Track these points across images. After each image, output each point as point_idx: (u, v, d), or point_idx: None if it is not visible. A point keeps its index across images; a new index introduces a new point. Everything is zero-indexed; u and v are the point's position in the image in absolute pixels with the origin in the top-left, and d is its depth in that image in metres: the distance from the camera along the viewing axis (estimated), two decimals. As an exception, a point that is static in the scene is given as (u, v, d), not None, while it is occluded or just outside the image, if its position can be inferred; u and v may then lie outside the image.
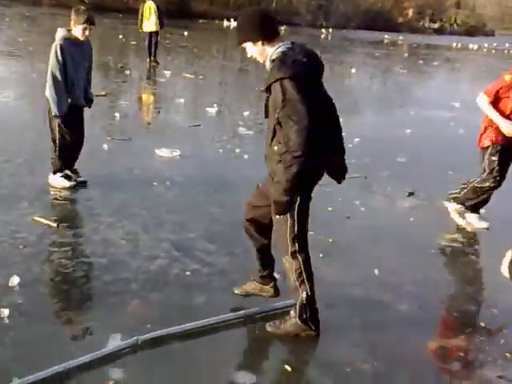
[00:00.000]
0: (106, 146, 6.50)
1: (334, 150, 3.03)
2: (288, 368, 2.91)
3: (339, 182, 3.21)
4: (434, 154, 7.65)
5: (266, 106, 2.91)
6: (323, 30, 36.55)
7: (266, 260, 3.39)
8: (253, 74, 15.08)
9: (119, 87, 11.04)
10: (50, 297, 3.37)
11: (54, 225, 4.26)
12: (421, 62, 24.58)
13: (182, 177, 5.70)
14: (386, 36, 40.56)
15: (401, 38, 40.73)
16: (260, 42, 2.86)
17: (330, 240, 4.51)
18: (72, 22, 4.76)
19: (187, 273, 3.78)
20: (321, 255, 4.22)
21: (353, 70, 17.24)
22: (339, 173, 3.14)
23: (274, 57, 2.82)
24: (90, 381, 2.67)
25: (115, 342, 2.92)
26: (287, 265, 3.08)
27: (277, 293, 3.42)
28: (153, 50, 13.52)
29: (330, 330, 3.27)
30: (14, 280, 3.39)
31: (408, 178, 6.41)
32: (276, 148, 2.84)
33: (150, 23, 13.08)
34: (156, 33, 13.32)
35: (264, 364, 2.96)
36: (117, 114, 8.34)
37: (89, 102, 5.11)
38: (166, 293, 3.52)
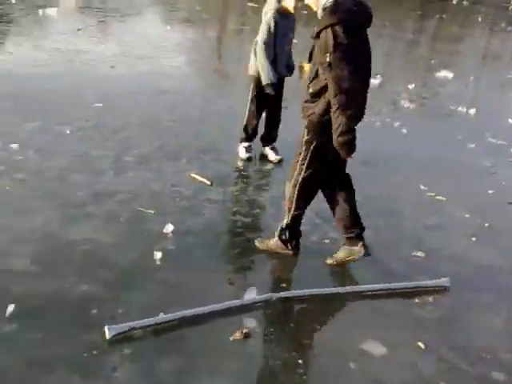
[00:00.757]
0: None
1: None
2: (421, 345, 2.79)
3: None
4: None
5: (311, 53, 3.10)
6: (512, 0, 32.96)
7: (351, 220, 3.41)
8: (425, 46, 14.24)
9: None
10: (197, 246, 3.61)
11: (209, 182, 4.52)
12: None
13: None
14: None
15: None
16: None
17: (486, 224, 4.15)
18: None
19: (326, 241, 3.77)
20: (473, 238, 3.93)
21: (542, 44, 15.38)
22: None
23: (326, 5, 2.97)
24: (227, 326, 2.85)
25: (251, 295, 3.06)
26: (286, 189, 3.43)
27: (367, 251, 3.34)
28: None
29: (472, 315, 3.06)
30: (169, 228, 3.70)
31: None
32: (311, 90, 3.09)
33: None
34: None
35: (396, 338, 2.86)
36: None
37: (290, 70, 5.09)
38: (304, 257, 3.56)
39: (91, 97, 6.42)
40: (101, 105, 6.22)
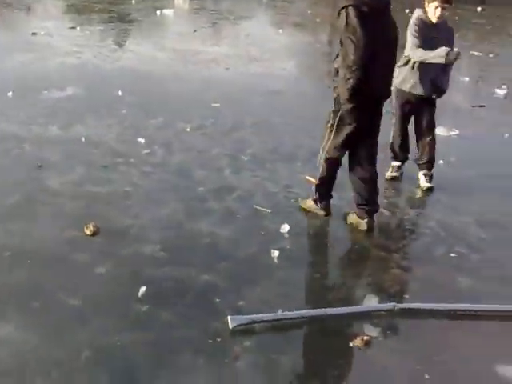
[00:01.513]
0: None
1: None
2: None
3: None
4: None
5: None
6: None
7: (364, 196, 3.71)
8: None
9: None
10: (313, 248, 3.56)
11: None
12: None
13: (457, 157, 5.31)
14: None
15: None
16: None
17: None
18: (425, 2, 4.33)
19: (452, 255, 3.54)
20: None
21: None
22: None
23: None
24: (346, 330, 2.76)
25: (372, 303, 2.93)
26: (319, 154, 3.77)
27: (370, 228, 3.66)
28: None
29: None
30: (285, 227, 3.66)
31: None
32: (335, 65, 3.48)
33: None
34: None
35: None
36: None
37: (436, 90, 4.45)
38: (428, 269, 3.36)
39: (209, 96, 6.58)
40: (218, 104, 6.35)
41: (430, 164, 4.52)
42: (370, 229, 3.69)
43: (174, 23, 12.47)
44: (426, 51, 4.16)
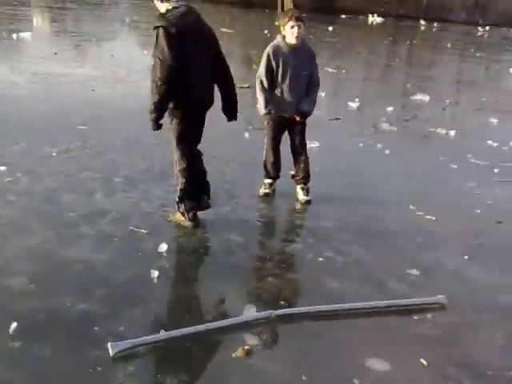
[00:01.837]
0: (247, 135, 6.71)
1: (222, 95, 4.07)
2: (424, 362, 2.79)
3: (229, 120, 4.19)
4: None
5: None
6: (479, 28, 34.26)
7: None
8: (399, 71, 14.61)
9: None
10: (192, 265, 3.60)
11: (199, 202, 4.50)
12: None
13: (320, 167, 5.68)
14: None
15: None
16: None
17: (478, 243, 4.22)
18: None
19: (321, 259, 3.78)
20: (465, 257, 3.98)
21: (511, 70, 15.93)
22: (229, 114, 4.16)
23: (161, 11, 3.77)
24: (228, 343, 2.82)
25: (250, 313, 3.04)
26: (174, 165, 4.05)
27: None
28: None
29: (471, 333, 3.09)
30: (163, 247, 3.66)
31: None
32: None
33: None
34: None
35: (399, 355, 2.86)
36: (258, 106, 8.58)
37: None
38: (300, 275, 3.57)
39: (75, 119, 6.38)
40: (85, 127, 6.17)
41: (306, 179, 4.78)
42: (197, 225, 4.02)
43: (32, 46, 11.88)
44: (260, 91, 4.57)
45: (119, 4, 24.48)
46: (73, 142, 5.63)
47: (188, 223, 3.99)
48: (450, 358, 2.87)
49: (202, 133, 4.10)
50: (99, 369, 2.53)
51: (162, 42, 3.58)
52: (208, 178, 4.22)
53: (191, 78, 3.71)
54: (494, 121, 8.60)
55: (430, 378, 2.72)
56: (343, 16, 29.88)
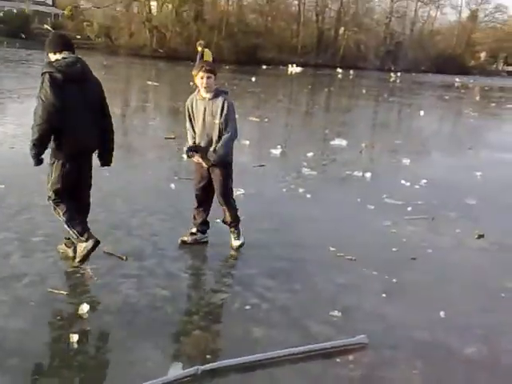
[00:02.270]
0: (173, 186, 6.74)
1: (100, 138, 4.28)
2: (346, 406, 2.85)
3: (102, 166, 4.48)
4: (506, 197, 7.38)
5: None
6: (392, 74, 36.53)
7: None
8: (318, 117, 15.26)
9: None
10: (116, 325, 3.50)
11: (123, 257, 4.44)
12: (493, 104, 23.93)
13: (245, 214, 5.77)
14: (457, 79, 39.85)
15: (472, 80, 39.94)
16: (48, 52, 4.14)
17: (394, 280, 4.41)
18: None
19: (247, 307, 3.81)
20: (383, 295, 4.14)
21: (421, 113, 17.05)
22: (102, 161, 4.45)
23: (51, 60, 4.07)
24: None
25: (176, 371, 3.00)
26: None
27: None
28: None
29: (392, 371, 3.20)
30: (84, 308, 3.56)
31: (477, 220, 6.20)
32: None
33: None
34: None
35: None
36: (184, 156, 8.67)
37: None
38: (227, 325, 3.57)
39: (-10, 177, 6.15)
40: (2, 186, 5.97)
41: (233, 223, 4.88)
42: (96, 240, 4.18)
43: None
44: (187, 140, 4.88)
45: (43, 60, 24.12)
46: (-12, 202, 5.42)
47: (88, 243, 4.12)
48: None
49: (89, 177, 4.38)
50: None
51: (46, 85, 3.88)
52: (134, 232, 4.22)
53: (75, 122, 4.00)
54: (407, 161, 9.13)
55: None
56: (265, 67, 31.01)
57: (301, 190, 6.90)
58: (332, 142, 10.46)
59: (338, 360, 3.28)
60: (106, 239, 4.81)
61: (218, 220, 5.35)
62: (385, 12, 54.36)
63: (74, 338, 3.22)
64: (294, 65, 31.32)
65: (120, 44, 36.40)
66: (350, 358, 3.31)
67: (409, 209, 6.37)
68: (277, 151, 9.16)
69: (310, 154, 9.10)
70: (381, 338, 3.53)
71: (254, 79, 22.72)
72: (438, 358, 3.39)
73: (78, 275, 4.11)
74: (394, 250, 5.09)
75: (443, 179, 8.13)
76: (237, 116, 4.80)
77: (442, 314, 3.91)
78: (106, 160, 4.44)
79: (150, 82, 18.66)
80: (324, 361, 3.27)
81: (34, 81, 16.77)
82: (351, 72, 34.08)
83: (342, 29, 48.79)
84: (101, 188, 6.28)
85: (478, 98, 27.09)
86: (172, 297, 3.92)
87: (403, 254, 5.02)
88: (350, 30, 48.45)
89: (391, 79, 32.91)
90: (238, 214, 4.93)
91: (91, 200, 4.54)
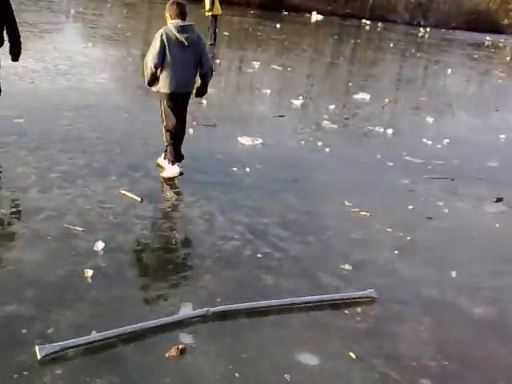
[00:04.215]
0: (191, 131, 6.69)
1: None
2: (352, 355, 2.90)
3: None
4: (529, 161, 7.24)
5: None
6: (421, 29, 35.38)
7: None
8: (343, 69, 14.91)
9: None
10: (129, 263, 3.57)
11: (139, 199, 4.47)
12: (524, 65, 23.14)
13: (262, 164, 5.77)
14: (488, 38, 38.46)
15: (503, 40, 38.54)
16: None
17: (408, 238, 4.40)
18: None
19: (259, 255, 3.84)
20: (396, 252, 4.15)
21: (449, 71, 16.57)
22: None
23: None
24: (162, 342, 2.82)
25: (187, 311, 3.06)
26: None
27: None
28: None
29: (399, 325, 3.23)
30: (99, 245, 3.62)
31: (498, 183, 6.11)
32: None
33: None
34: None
35: (328, 349, 2.95)
36: (204, 101, 8.58)
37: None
38: (238, 271, 3.62)
39: (11, 112, 6.15)
40: (22, 120, 5.99)
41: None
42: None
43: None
44: None
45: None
46: (7, 135, 5.45)
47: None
48: (378, 350, 2.99)
49: None
50: (25, 373, 2.46)
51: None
52: (151, 173, 4.21)
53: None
54: (430, 120, 8.94)
55: (358, 370, 2.83)
56: (291, 13, 30.17)
57: (319, 144, 6.82)
58: (355, 96, 10.25)
59: (346, 312, 3.31)
60: (121, 180, 4.85)
61: (235, 168, 5.35)
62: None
63: (89, 272, 3.29)
64: (315, 12, 30.39)
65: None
66: (358, 310, 3.34)
67: (429, 168, 6.28)
68: (298, 102, 9.01)
69: (331, 107, 8.94)
70: (390, 294, 3.55)
71: (278, 26, 22.12)
72: (446, 317, 3.41)
73: (94, 213, 4.15)
74: (410, 208, 5.06)
75: (466, 140, 7.97)
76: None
77: (453, 273, 3.91)
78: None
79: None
80: (332, 312, 3.31)
81: (54, 15, 16.58)
82: (379, 24, 33.01)
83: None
84: (118, 129, 6.30)
85: (508, 58, 26.19)
86: (185, 240, 3.97)
87: (419, 212, 4.98)
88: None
89: (420, 34, 31.88)
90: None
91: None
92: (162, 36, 4.64)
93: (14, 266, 3.29)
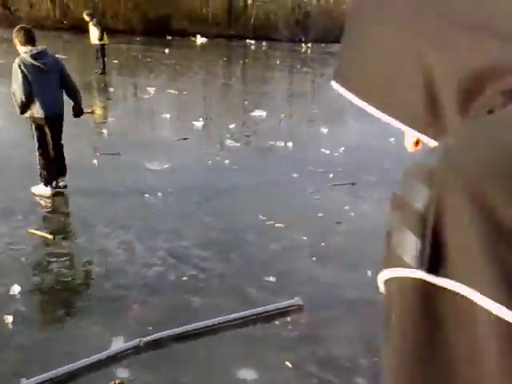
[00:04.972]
0: (95, 161, 6.55)
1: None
2: (289, 364, 2.99)
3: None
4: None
5: None
6: (303, 45, 37.13)
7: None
8: (236, 88, 15.25)
9: (104, 104, 11.13)
10: (51, 304, 3.42)
11: (50, 236, 4.30)
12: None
13: (173, 188, 5.77)
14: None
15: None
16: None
17: (323, 244, 4.61)
18: None
19: (184, 278, 3.84)
20: (314, 258, 4.32)
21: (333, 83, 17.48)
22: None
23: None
24: (98, 380, 2.74)
25: (119, 344, 2.99)
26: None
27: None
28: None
29: (328, 329, 3.37)
30: (15, 289, 3.44)
31: (395, 183, 6.53)
32: None
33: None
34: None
35: (265, 361, 3.02)
36: (104, 131, 8.41)
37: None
38: (165, 297, 3.59)
39: None
40: None
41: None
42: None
43: None
44: None
45: None
46: None
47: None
48: (312, 355, 3.11)
49: None
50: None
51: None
52: (60, 209, 4.06)
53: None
54: (325, 130, 9.42)
55: (295, 378, 2.92)
56: (177, 38, 30.37)
57: (226, 162, 6.95)
58: (252, 113, 10.54)
59: (276, 322, 3.41)
60: (29, 218, 4.64)
61: (147, 194, 5.31)
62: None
63: (9, 319, 3.12)
64: (199, 36, 30.98)
65: (20, 15, 34.06)
66: (288, 319, 3.45)
67: (331, 176, 6.62)
68: (199, 123, 9.10)
69: (232, 126, 9.13)
70: (315, 300, 3.70)
71: (167, 51, 22.18)
72: (369, 315, 3.61)
73: (4, 256, 3.93)
74: (319, 215, 5.30)
75: (360, 145, 8.47)
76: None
77: (369, 273, 4.15)
78: None
79: (57, 56, 17.69)
80: (264, 324, 3.39)
81: None
82: (264, 43, 34.17)
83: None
84: (10, 165, 5.99)
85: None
86: (107, 273, 3.87)
87: (328, 218, 5.24)
88: (259, 0, 48.36)
89: (303, 50, 33.44)
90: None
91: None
92: (20, 66, 4.85)
93: None
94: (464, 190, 0.50)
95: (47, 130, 5.16)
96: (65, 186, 5.34)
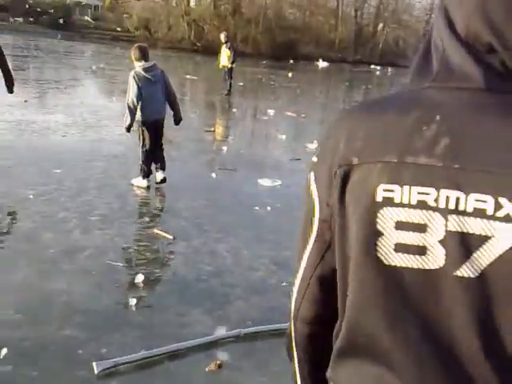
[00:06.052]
0: (214, 175, 7.17)
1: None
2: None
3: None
4: None
5: None
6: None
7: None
8: (354, 113, 15.42)
9: (226, 124, 11.96)
10: (167, 293, 3.94)
11: (171, 237, 4.89)
12: None
13: (282, 203, 6.17)
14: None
15: None
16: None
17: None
18: None
19: (283, 284, 4.19)
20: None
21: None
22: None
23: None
24: (202, 359, 3.17)
25: (221, 332, 3.41)
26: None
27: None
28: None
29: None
30: (139, 278, 4.01)
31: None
32: None
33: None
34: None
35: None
36: (224, 148, 9.10)
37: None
38: (265, 298, 3.97)
39: (48, 163, 6.70)
40: (59, 171, 6.51)
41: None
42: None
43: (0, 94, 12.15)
44: None
45: (84, 52, 25.02)
46: (48, 184, 5.95)
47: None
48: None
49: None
50: (85, 386, 2.82)
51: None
52: (181, 214, 4.57)
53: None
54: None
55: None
56: (300, 62, 31.24)
57: (335, 182, 7.21)
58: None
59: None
60: (155, 221, 5.29)
61: (257, 207, 5.76)
62: (425, 9, 53.64)
63: (133, 301, 3.67)
64: (320, 60, 31.47)
65: (158, 37, 37.04)
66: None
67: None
68: (313, 146, 9.48)
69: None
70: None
71: (290, 75, 22.99)
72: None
73: (132, 250, 4.57)
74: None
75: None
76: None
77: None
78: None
79: (188, 76, 19.17)
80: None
81: (77, 72, 17.50)
82: (389, 69, 33.92)
83: (381, 25, 48.46)
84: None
85: None
86: (216, 272, 4.34)
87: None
88: (389, 26, 48.06)
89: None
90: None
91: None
92: (134, 78, 5.78)
93: (65, 297, 3.68)
94: None
95: (152, 132, 6.07)
96: (162, 180, 6.19)
